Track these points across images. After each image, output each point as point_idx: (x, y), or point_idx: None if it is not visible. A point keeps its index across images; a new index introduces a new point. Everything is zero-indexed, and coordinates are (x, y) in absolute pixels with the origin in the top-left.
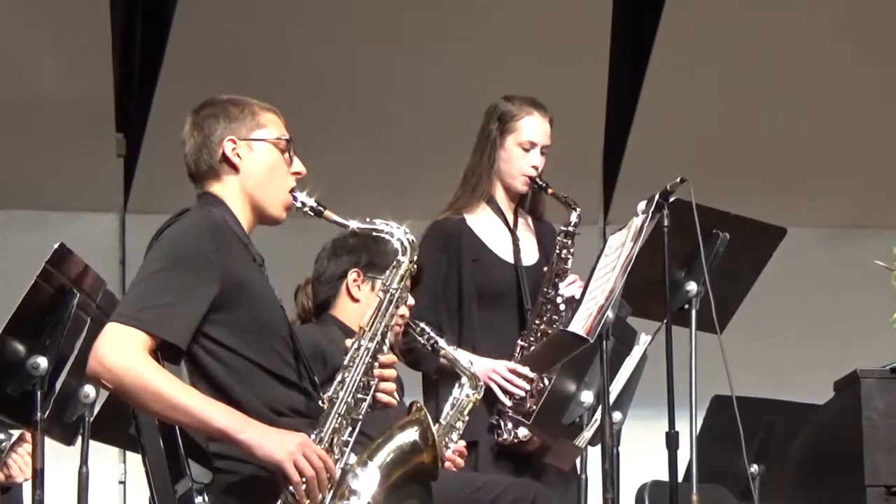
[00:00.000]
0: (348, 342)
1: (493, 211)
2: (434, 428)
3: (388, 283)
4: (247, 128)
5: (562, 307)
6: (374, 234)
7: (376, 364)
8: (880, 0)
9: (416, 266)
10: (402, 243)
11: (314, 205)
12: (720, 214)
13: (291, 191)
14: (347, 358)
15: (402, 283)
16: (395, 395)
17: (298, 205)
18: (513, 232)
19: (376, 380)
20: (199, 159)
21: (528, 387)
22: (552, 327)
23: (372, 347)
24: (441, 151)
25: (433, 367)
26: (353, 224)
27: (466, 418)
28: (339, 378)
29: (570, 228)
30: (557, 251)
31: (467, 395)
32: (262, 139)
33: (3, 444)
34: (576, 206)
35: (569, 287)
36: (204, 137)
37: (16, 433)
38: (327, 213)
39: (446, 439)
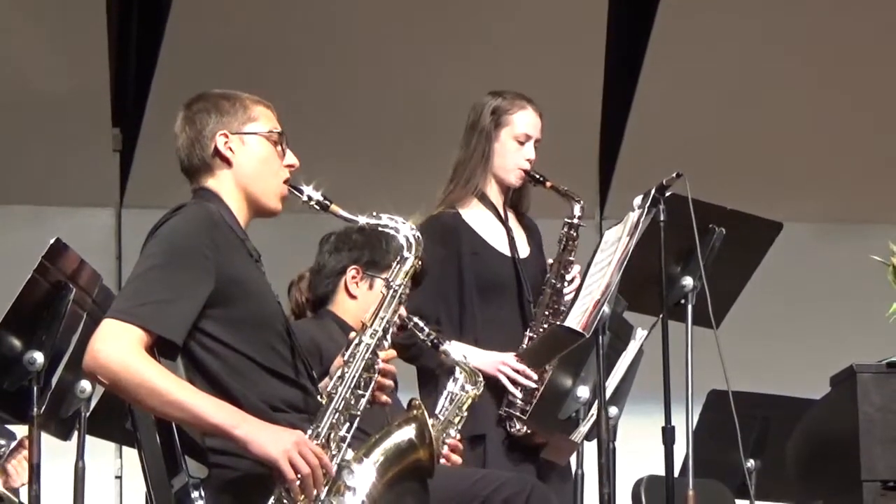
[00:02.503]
0: (352, 335)
1: (484, 205)
2: (431, 424)
3: (392, 280)
4: (238, 121)
5: (568, 297)
6: (381, 229)
7: (378, 360)
8: None
9: (420, 263)
10: (407, 239)
11: (321, 199)
12: (716, 209)
13: (287, 181)
14: (348, 353)
15: (406, 280)
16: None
17: (304, 198)
18: (506, 225)
19: (377, 375)
20: (192, 154)
21: (536, 377)
22: (559, 318)
23: (373, 343)
24: (440, 149)
25: (436, 362)
26: (362, 219)
27: (465, 414)
28: (338, 373)
29: (575, 221)
30: (564, 243)
31: (466, 391)
32: (254, 132)
33: (3, 449)
34: (578, 199)
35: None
36: (196, 132)
37: (17, 432)
38: (334, 207)
39: (444, 435)
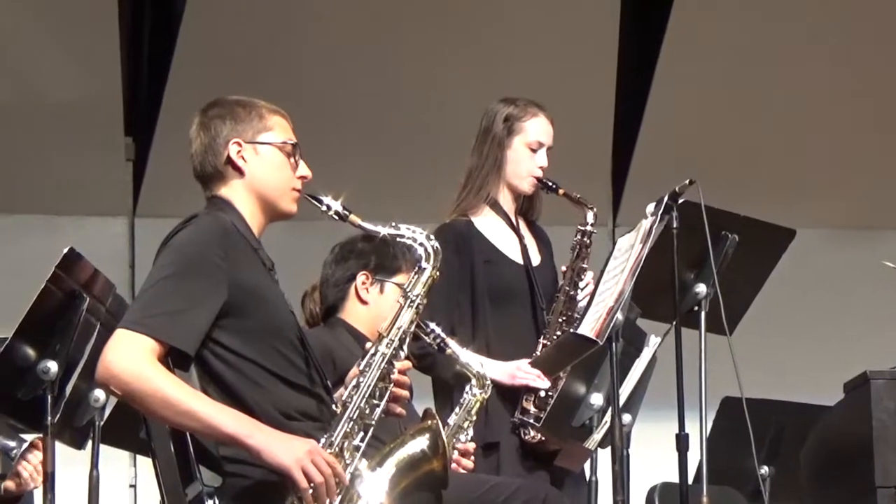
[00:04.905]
0: (368, 345)
1: (496, 213)
2: (444, 433)
3: (409, 289)
4: (253, 130)
5: (581, 304)
6: (399, 240)
7: (393, 369)
8: (890, 1)
9: (438, 273)
10: (425, 250)
11: (340, 209)
12: (729, 216)
13: (300, 191)
14: (363, 362)
15: (424, 290)
16: (405, 403)
17: (324, 208)
18: (518, 233)
19: (392, 385)
20: (205, 161)
21: (549, 383)
22: (573, 325)
23: (388, 353)
24: (451, 154)
25: (450, 372)
26: (382, 230)
27: (473, 418)
28: (353, 382)
29: (588, 228)
30: (577, 250)
31: (474, 395)
32: (268, 142)
33: (15, 451)
34: (591, 206)
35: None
36: (210, 139)
37: (28, 438)
38: (352, 217)
39: (454, 440)
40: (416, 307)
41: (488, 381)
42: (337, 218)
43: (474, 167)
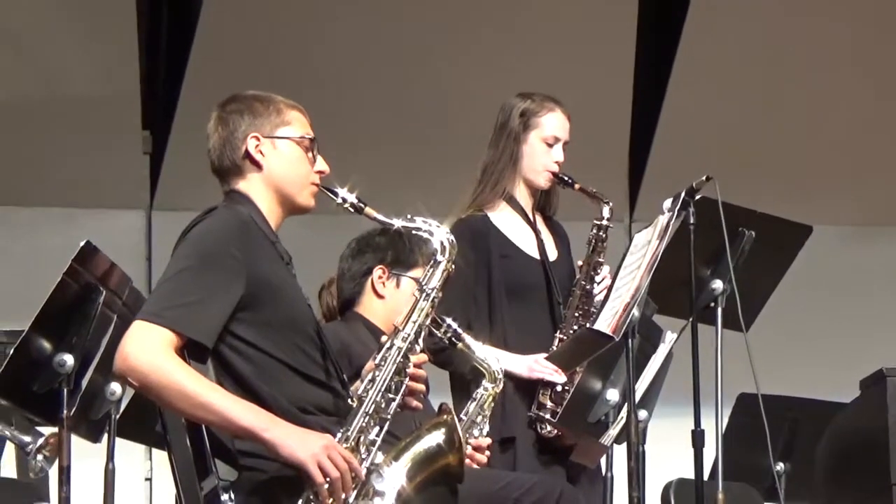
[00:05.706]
0: (383, 339)
1: (512, 208)
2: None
3: (424, 283)
4: (271, 125)
5: (598, 298)
6: (415, 232)
7: (409, 363)
8: None
9: (454, 266)
10: (441, 243)
11: (355, 201)
12: (746, 212)
13: (317, 185)
14: (379, 357)
15: (440, 283)
16: (421, 397)
17: (339, 201)
18: (534, 228)
19: (407, 379)
20: (223, 155)
21: (565, 378)
22: (589, 319)
23: (404, 347)
24: (469, 150)
25: (467, 366)
26: (397, 222)
27: (487, 413)
28: (369, 376)
29: (604, 222)
30: (593, 245)
31: (486, 390)
32: (286, 137)
33: (30, 446)
34: (607, 201)
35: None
36: (228, 133)
37: (44, 432)
38: (368, 209)
39: (467, 434)
40: (432, 300)
41: (500, 376)
42: (352, 210)
43: (490, 162)
